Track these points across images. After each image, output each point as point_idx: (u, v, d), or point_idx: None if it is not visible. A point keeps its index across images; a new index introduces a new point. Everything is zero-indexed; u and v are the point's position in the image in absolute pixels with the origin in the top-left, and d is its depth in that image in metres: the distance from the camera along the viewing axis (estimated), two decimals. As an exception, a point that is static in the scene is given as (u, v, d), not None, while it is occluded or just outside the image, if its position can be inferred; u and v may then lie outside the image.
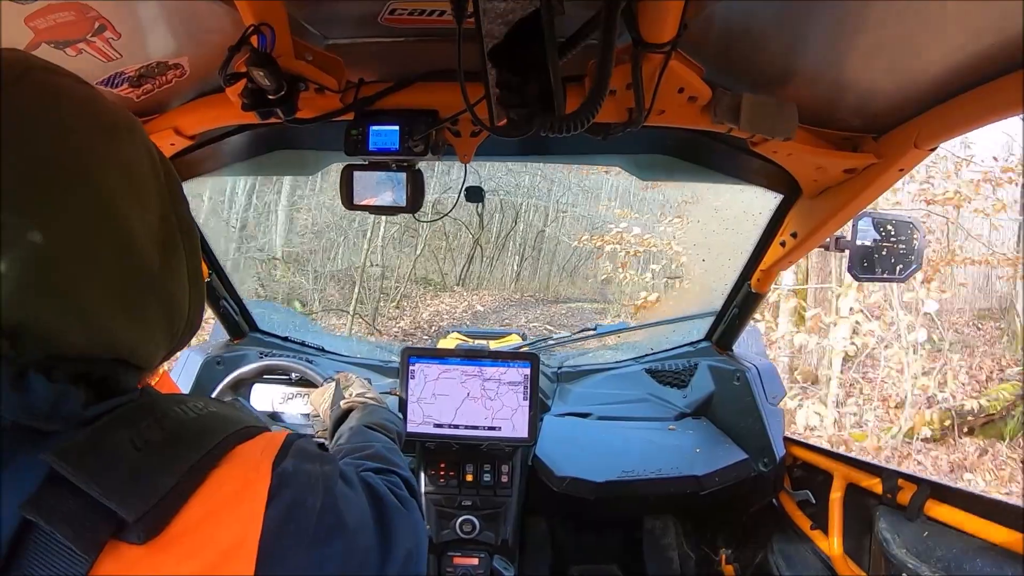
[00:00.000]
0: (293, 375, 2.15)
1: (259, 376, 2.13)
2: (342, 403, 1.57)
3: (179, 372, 2.48)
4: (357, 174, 1.60)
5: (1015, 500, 1.52)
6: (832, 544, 2.03)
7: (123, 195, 0.68)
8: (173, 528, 0.60)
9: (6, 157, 0.59)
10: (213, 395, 2.01)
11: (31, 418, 0.60)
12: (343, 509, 0.76)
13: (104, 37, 1.22)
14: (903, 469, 1.84)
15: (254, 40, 1.21)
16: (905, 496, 1.77)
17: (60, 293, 0.62)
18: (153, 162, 0.76)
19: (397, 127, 1.49)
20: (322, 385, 1.91)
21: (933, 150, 1.42)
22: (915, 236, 1.96)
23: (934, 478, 1.74)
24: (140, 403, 0.68)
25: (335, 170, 1.74)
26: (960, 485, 1.66)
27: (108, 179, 0.67)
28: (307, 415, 2.07)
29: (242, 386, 2.13)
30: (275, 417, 2.12)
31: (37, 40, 1.18)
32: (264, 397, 2.18)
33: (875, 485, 1.88)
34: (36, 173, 0.61)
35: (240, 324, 2.77)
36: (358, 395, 1.60)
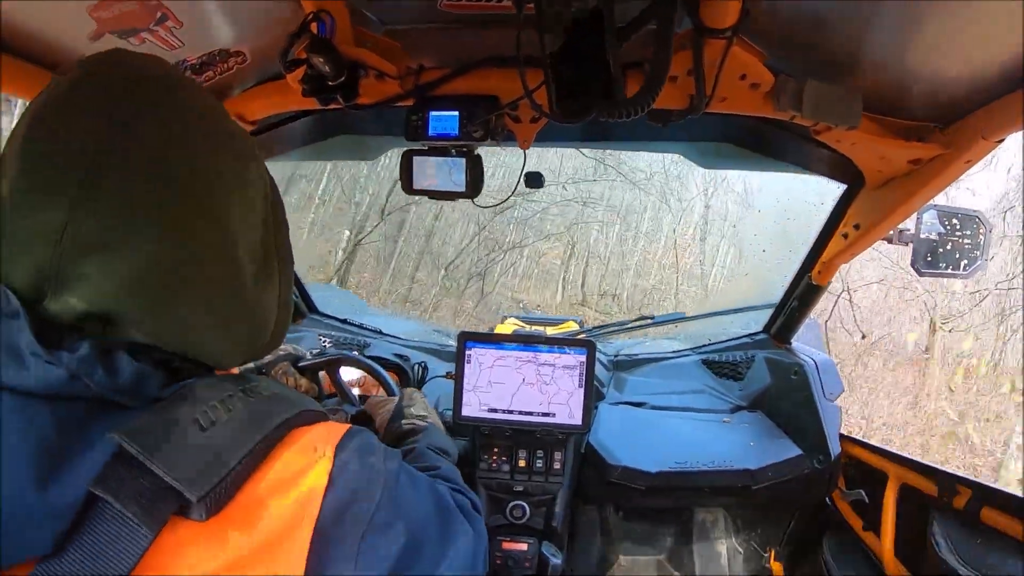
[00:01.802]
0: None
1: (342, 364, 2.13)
2: (403, 422, 1.55)
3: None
4: (417, 159, 1.62)
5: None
6: (884, 546, 1.99)
7: (236, 217, 0.73)
8: (234, 506, 0.63)
9: (146, 163, 0.65)
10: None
11: (116, 393, 0.63)
12: (403, 505, 0.78)
13: (166, 26, 1.26)
14: (961, 473, 1.79)
15: (314, 27, 1.23)
16: (961, 501, 1.72)
17: (158, 299, 0.67)
18: (265, 188, 0.81)
19: (457, 113, 1.50)
20: (392, 393, 1.90)
21: (1001, 142, 1.37)
22: (981, 231, 1.90)
23: (991, 483, 1.69)
24: (207, 383, 0.71)
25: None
26: (1018, 494, 1.60)
27: (227, 200, 0.72)
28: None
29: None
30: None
31: (100, 30, 1.21)
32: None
33: (930, 488, 1.84)
34: (166, 184, 0.66)
35: (300, 306, 2.83)
36: (419, 416, 1.59)
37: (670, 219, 15.53)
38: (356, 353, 2.10)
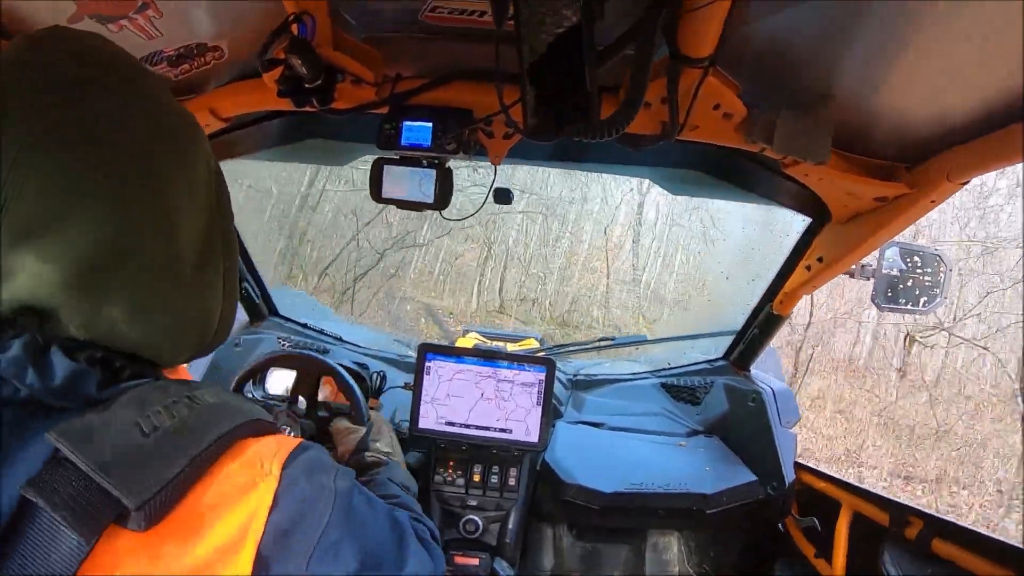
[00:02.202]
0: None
1: (266, 368, 2.09)
2: (367, 455, 1.55)
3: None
4: (387, 168, 1.61)
5: (1020, 542, 1.50)
6: (835, 574, 2.01)
7: (178, 203, 0.70)
8: (174, 517, 0.61)
9: (81, 146, 0.62)
10: (237, 376, 1.98)
11: (47, 393, 0.61)
12: (357, 527, 0.76)
13: (146, 15, 1.24)
14: (913, 504, 1.82)
15: (294, 27, 1.22)
16: (912, 531, 1.75)
17: (96, 291, 0.64)
18: (209, 174, 0.78)
19: (431, 124, 1.50)
20: (360, 421, 1.86)
21: (965, 184, 1.40)
22: (941, 269, 1.94)
23: (943, 515, 1.72)
24: (152, 387, 0.68)
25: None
26: (968, 524, 1.63)
27: (169, 185, 0.69)
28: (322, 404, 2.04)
29: (259, 372, 2.12)
30: (289, 401, 2.11)
31: (80, 13, 1.20)
32: (280, 382, 2.19)
33: (883, 518, 1.87)
34: (105, 166, 0.63)
35: (260, 307, 2.79)
36: (385, 452, 1.59)
37: (597, 217, 15.12)
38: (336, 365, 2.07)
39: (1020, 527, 6.40)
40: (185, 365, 0.85)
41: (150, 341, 0.71)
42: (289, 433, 1.66)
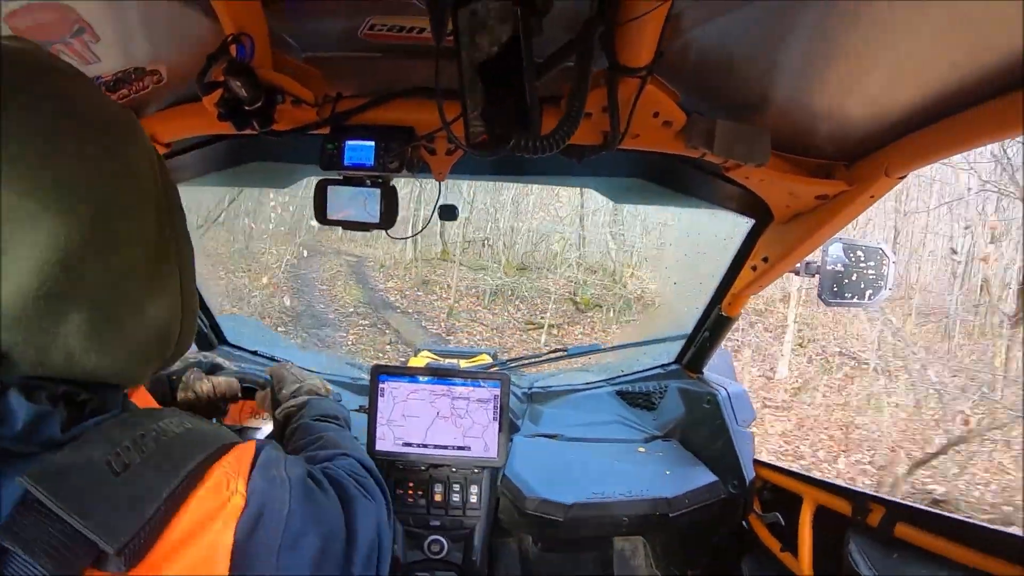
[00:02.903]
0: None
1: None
2: (278, 412, 1.52)
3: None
4: (331, 189, 1.60)
5: (982, 522, 1.54)
6: (802, 566, 2.03)
7: (122, 208, 0.67)
8: (153, 555, 0.60)
9: (11, 162, 0.58)
10: None
11: (12, 441, 0.59)
12: (313, 512, 0.76)
13: (83, 40, 1.22)
14: (872, 492, 1.85)
15: (233, 50, 1.21)
16: (875, 518, 1.78)
17: (47, 321, 0.61)
18: (153, 172, 0.75)
19: (373, 143, 1.50)
20: (262, 386, 1.84)
21: (903, 178, 1.44)
22: (884, 262, 1.99)
23: (904, 501, 1.75)
24: (118, 421, 0.67)
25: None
26: (929, 508, 1.67)
27: (111, 190, 0.66)
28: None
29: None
30: (242, 432, 2.09)
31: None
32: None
33: (844, 507, 1.90)
34: (41, 181, 0.60)
35: (209, 336, 2.75)
36: (292, 394, 1.55)
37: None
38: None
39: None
40: (146, 389, 0.83)
41: (110, 365, 0.68)
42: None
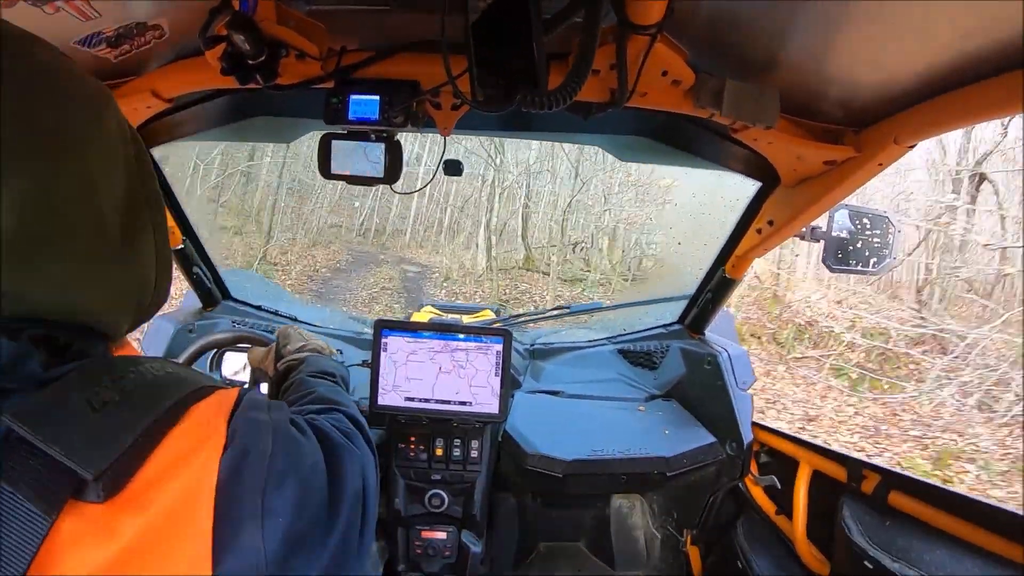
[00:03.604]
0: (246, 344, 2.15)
1: (211, 350, 2.12)
2: (279, 364, 1.55)
3: (151, 340, 2.47)
4: (335, 143, 1.59)
5: (975, 495, 1.56)
6: (796, 529, 2.07)
7: (97, 167, 0.70)
8: (133, 485, 0.61)
9: None
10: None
11: None
12: (294, 453, 0.77)
13: (83, -6, 1.20)
14: (869, 459, 1.87)
15: (236, 3, 1.19)
16: (869, 485, 1.81)
17: (28, 258, 0.63)
18: (124, 135, 0.77)
19: (378, 97, 1.48)
20: (266, 344, 1.88)
21: (912, 147, 1.43)
22: (890, 230, 1.98)
23: (898, 469, 1.77)
24: (98, 364, 0.69)
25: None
26: (924, 479, 1.69)
27: (84, 151, 0.68)
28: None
29: (205, 354, 2.12)
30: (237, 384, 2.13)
31: None
32: (233, 363, 2.20)
33: (840, 474, 1.92)
34: (15, 140, 0.62)
35: (213, 292, 2.75)
36: (296, 350, 1.59)
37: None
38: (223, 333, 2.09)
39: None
40: (135, 344, 0.84)
41: (87, 308, 0.71)
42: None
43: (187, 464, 0.65)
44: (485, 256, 14.61)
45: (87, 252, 0.69)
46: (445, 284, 14.60)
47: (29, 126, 0.63)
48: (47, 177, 0.64)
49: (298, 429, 0.83)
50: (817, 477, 2.06)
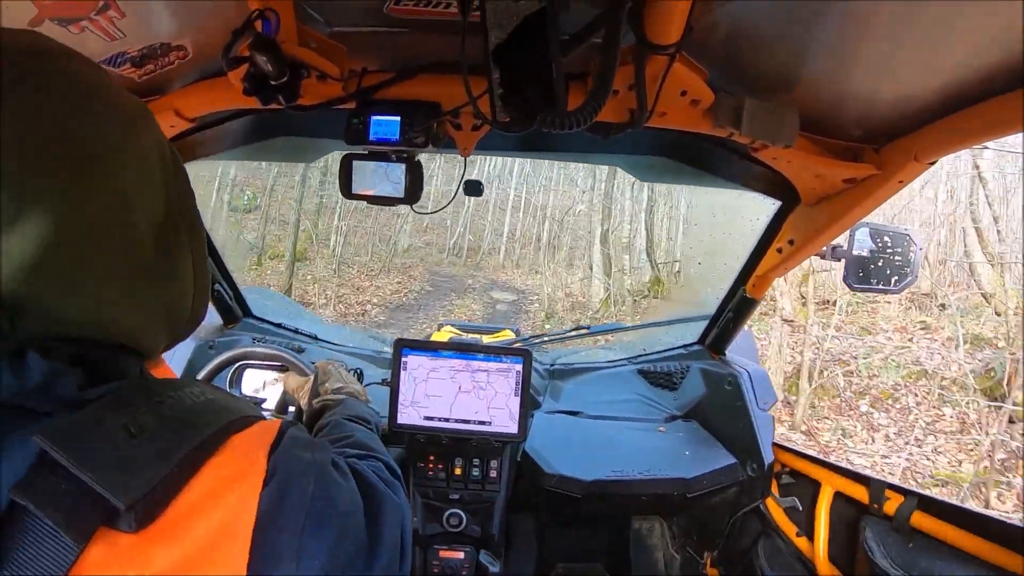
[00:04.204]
0: (269, 361, 2.16)
1: (242, 361, 2.13)
2: (315, 402, 1.56)
3: (171, 355, 2.48)
4: (356, 163, 1.60)
5: (1001, 515, 1.53)
6: (817, 551, 2.04)
7: (132, 185, 0.69)
8: (167, 516, 0.59)
9: (22, 137, 0.60)
10: (200, 376, 2.01)
11: (24, 397, 0.59)
12: (335, 495, 0.75)
13: (108, 16, 1.22)
14: (890, 480, 1.85)
15: (258, 24, 1.21)
16: (892, 507, 1.78)
17: (63, 274, 0.62)
18: (162, 153, 0.76)
19: (398, 118, 1.49)
20: (305, 374, 1.89)
21: (932, 164, 1.42)
22: (911, 248, 1.96)
23: (921, 490, 1.75)
24: (136, 387, 0.67)
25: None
26: (948, 499, 1.67)
27: (120, 168, 0.68)
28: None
29: (227, 369, 2.13)
30: (258, 403, 2.13)
31: (41, 17, 1.18)
32: (253, 381, 2.20)
33: (862, 494, 1.90)
34: (52, 156, 0.61)
35: (234, 309, 2.77)
36: (335, 391, 1.59)
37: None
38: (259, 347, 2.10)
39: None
40: (167, 363, 0.84)
41: (122, 327, 0.70)
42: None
43: (225, 497, 0.64)
44: (603, 278, 12.53)
45: (122, 270, 0.68)
46: (548, 323, 12.46)
47: (66, 142, 0.63)
48: (83, 195, 0.63)
49: (340, 472, 0.82)
50: (839, 498, 2.03)
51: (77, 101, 0.65)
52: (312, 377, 1.69)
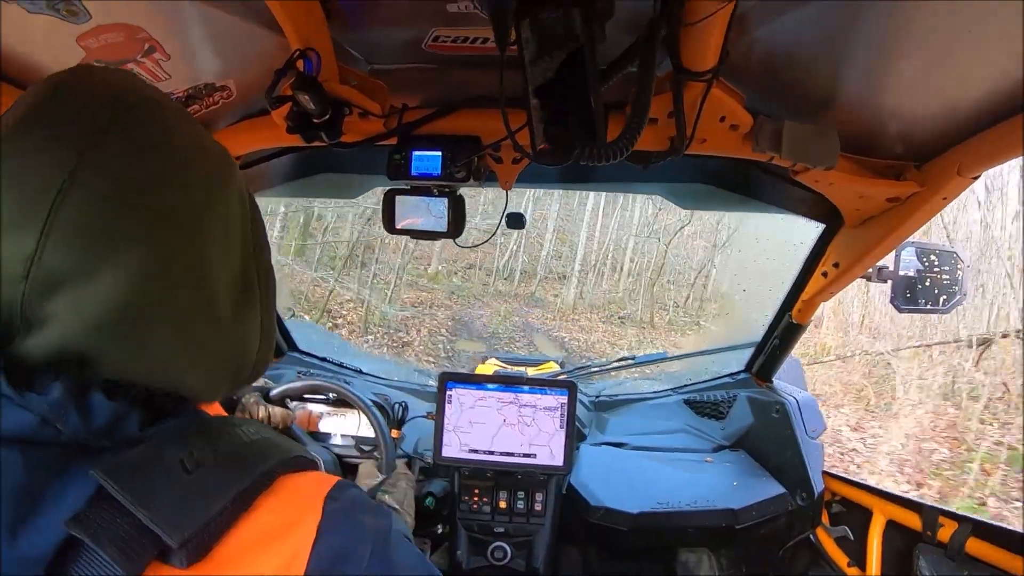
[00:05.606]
0: (331, 395, 2.17)
1: (301, 394, 2.15)
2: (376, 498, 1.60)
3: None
4: (399, 198, 1.62)
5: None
6: None
7: (213, 242, 0.69)
8: (217, 554, 0.60)
9: (109, 191, 0.60)
10: (274, 392, 2.02)
11: (89, 436, 0.60)
12: (395, 567, 0.73)
13: (154, 58, 1.26)
14: (944, 507, 1.80)
15: (300, 64, 1.23)
16: (946, 533, 1.73)
17: (132, 333, 0.63)
18: (244, 209, 0.77)
19: (440, 152, 1.51)
20: (380, 470, 1.91)
21: (976, 178, 1.40)
22: (959, 267, 1.93)
23: (976, 516, 1.70)
24: (192, 423, 0.68)
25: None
26: (1003, 524, 1.62)
27: (205, 227, 0.68)
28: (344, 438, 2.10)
29: (283, 403, 2.15)
30: (313, 436, 2.15)
31: (88, 59, 1.21)
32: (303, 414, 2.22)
33: (915, 522, 1.85)
34: (137, 213, 0.62)
35: (279, 343, 2.80)
36: (395, 500, 1.64)
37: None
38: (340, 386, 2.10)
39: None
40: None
41: (189, 383, 0.70)
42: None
43: (277, 543, 0.63)
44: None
45: (193, 328, 0.68)
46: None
47: (152, 200, 0.63)
48: (165, 255, 0.63)
49: (403, 541, 0.79)
50: (891, 526, 1.98)
51: (167, 156, 0.66)
52: (383, 478, 1.73)
